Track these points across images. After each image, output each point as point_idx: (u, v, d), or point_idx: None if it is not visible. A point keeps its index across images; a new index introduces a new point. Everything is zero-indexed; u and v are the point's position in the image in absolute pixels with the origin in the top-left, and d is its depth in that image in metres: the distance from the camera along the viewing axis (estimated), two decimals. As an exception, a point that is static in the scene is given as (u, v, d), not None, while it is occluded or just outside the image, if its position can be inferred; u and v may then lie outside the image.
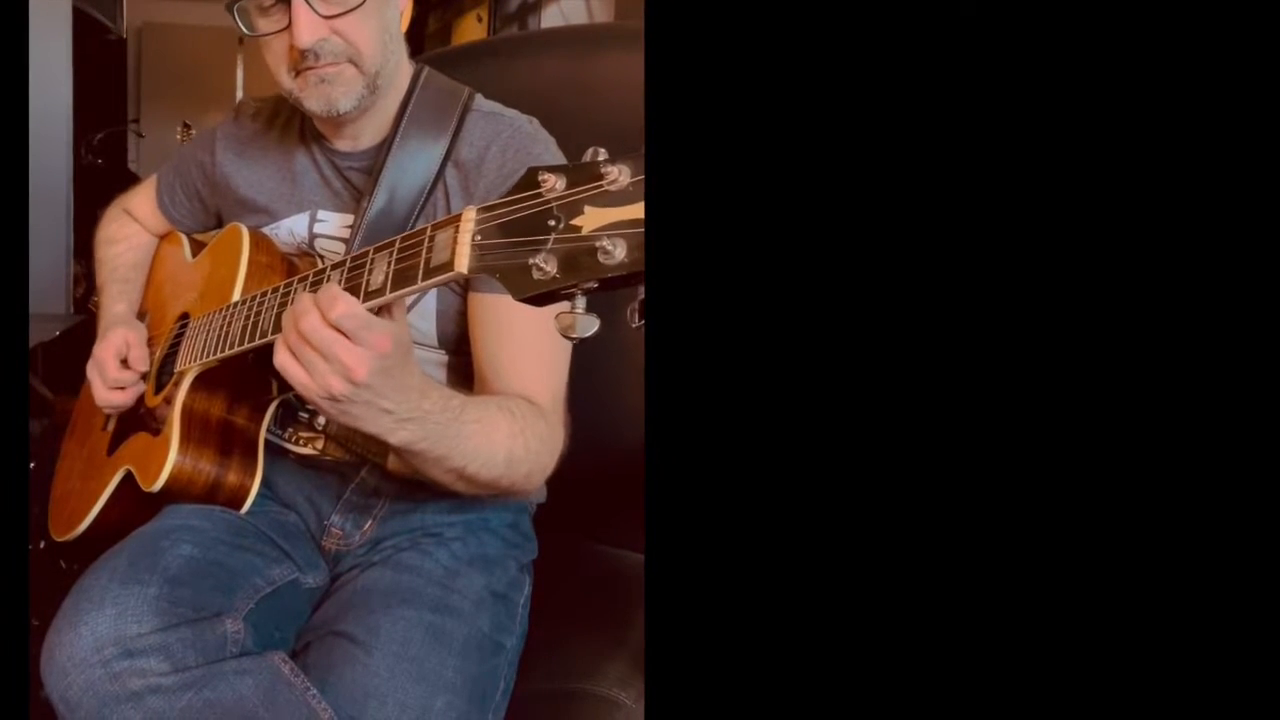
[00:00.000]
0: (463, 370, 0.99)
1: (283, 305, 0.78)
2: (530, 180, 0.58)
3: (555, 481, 1.06)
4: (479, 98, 1.01)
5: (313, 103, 0.92)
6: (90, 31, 2.47)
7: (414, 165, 0.95)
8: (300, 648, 0.87)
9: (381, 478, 0.99)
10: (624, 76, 1.14)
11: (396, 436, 0.75)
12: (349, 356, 0.68)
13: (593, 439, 0.94)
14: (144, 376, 1.03)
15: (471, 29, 3.11)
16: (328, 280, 0.74)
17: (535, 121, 0.99)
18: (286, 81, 0.93)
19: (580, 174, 0.57)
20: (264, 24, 0.91)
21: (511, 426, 0.84)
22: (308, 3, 0.87)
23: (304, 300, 0.69)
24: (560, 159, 0.96)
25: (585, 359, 0.97)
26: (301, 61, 0.89)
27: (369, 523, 0.98)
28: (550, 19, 2.81)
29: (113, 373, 1.00)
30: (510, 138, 0.95)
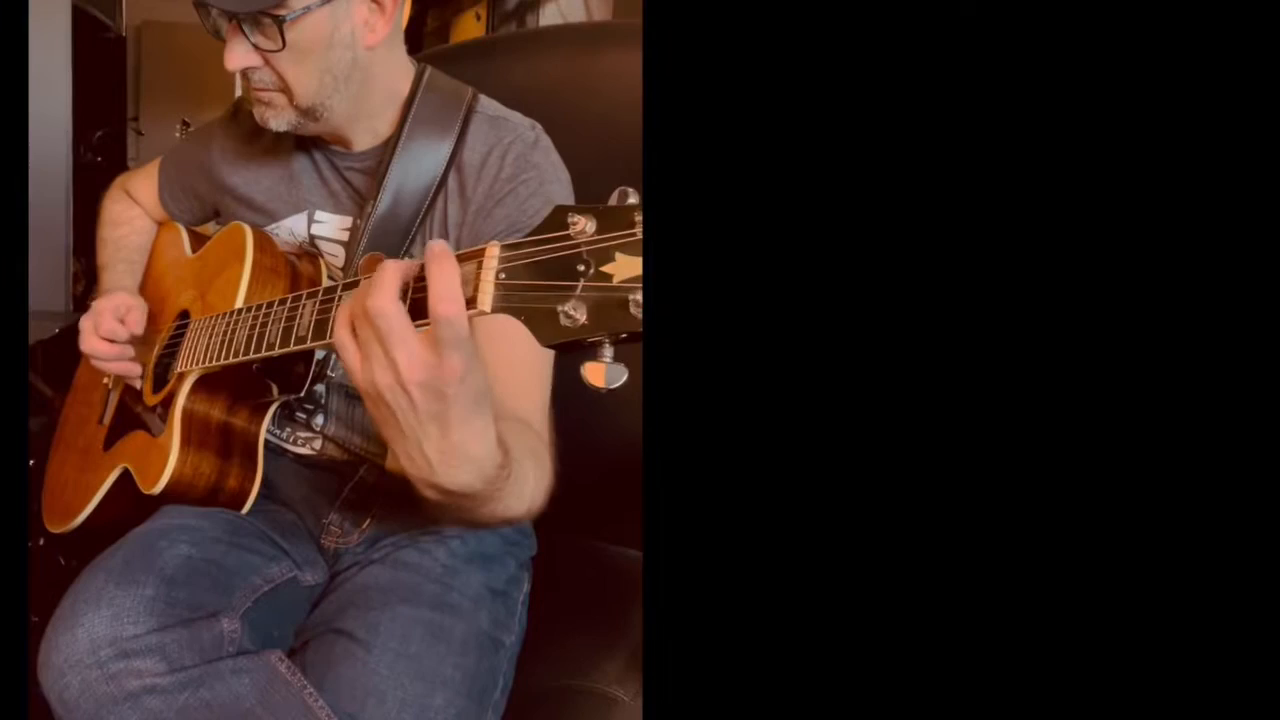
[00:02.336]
0: None
1: (290, 318, 0.77)
2: (558, 220, 0.56)
3: (554, 479, 1.06)
4: (483, 99, 1.00)
5: (255, 113, 0.94)
6: (90, 30, 2.46)
7: (418, 167, 0.94)
8: (299, 645, 0.88)
9: (380, 476, 0.99)
10: (622, 75, 1.14)
11: (429, 495, 0.68)
12: (404, 353, 0.58)
13: (591, 437, 0.94)
14: (142, 366, 1.03)
15: (470, 27, 3.11)
16: (339, 299, 0.72)
17: (538, 127, 0.98)
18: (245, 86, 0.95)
19: (611, 218, 0.54)
20: (223, 30, 0.91)
21: (538, 473, 0.78)
22: (243, 31, 0.87)
23: (387, 279, 0.59)
24: (560, 167, 0.96)
25: (584, 357, 0.97)
26: (244, 76, 0.91)
27: (367, 520, 0.98)
28: (548, 17, 2.81)
29: (108, 323, 1.00)
30: (511, 144, 0.94)
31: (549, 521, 1.07)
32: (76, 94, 2.10)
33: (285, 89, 0.90)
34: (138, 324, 1.02)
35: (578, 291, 0.54)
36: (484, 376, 0.62)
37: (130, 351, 1.02)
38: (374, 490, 0.99)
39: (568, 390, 0.94)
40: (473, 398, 0.61)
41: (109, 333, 1.00)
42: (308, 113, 0.92)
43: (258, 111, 0.93)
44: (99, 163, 2.66)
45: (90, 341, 1.00)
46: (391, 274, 0.59)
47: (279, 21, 0.85)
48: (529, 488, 0.75)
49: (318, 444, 1.01)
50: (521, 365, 0.86)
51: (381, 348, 0.59)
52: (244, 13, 0.85)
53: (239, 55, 0.88)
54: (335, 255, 0.99)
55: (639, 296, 0.52)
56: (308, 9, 0.85)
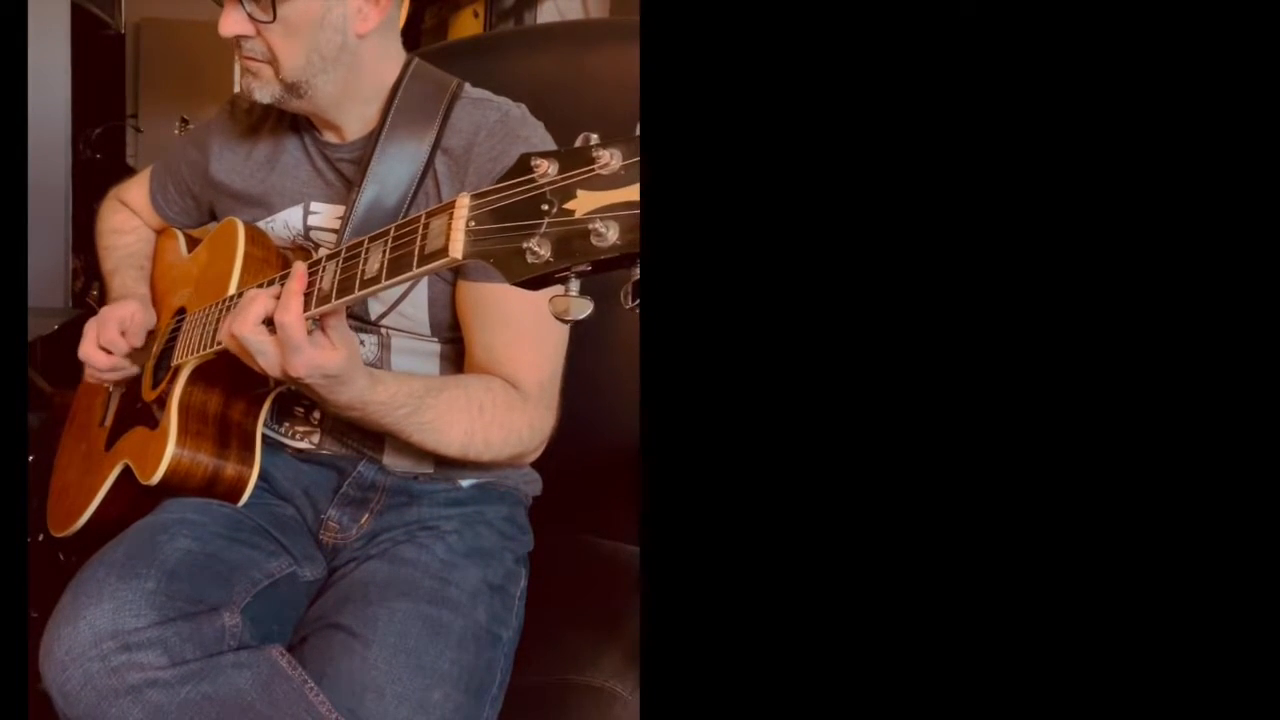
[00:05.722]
0: (455, 358, 0.99)
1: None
2: (523, 166, 0.59)
3: (551, 474, 1.07)
4: (467, 87, 1.01)
5: (242, 82, 0.97)
6: (89, 27, 2.46)
7: (402, 155, 0.95)
8: (298, 641, 0.88)
9: (379, 472, 0.99)
10: (620, 71, 1.15)
11: (345, 415, 0.87)
12: (265, 361, 0.78)
13: (587, 431, 0.94)
14: (140, 368, 1.03)
15: (468, 24, 3.11)
16: (323, 270, 0.75)
17: (523, 107, 0.99)
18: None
19: (573, 159, 0.57)
20: None
21: (471, 425, 0.89)
22: (240, 1, 0.90)
23: (242, 304, 0.78)
24: (549, 140, 0.97)
25: (579, 350, 0.97)
26: (236, 44, 0.94)
27: (365, 516, 0.99)
28: (546, 14, 2.80)
29: (110, 332, 1.01)
30: (499, 123, 0.95)
31: (546, 516, 1.08)
32: (75, 91, 2.11)
33: (273, 61, 0.93)
34: (136, 336, 1.03)
35: (542, 229, 0.57)
36: (343, 365, 0.78)
37: (125, 365, 1.03)
38: (373, 486, 0.99)
39: (566, 388, 0.95)
40: (333, 384, 0.79)
41: (109, 343, 1.01)
42: (291, 88, 0.94)
43: (244, 81, 0.96)
44: (98, 160, 2.66)
45: (89, 349, 1.02)
46: (258, 306, 0.77)
47: None
48: (455, 432, 0.89)
49: (315, 438, 1.01)
50: (523, 337, 0.92)
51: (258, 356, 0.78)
52: None
53: (232, 21, 0.91)
54: (332, 245, 1.00)
55: (600, 226, 0.55)
56: None
